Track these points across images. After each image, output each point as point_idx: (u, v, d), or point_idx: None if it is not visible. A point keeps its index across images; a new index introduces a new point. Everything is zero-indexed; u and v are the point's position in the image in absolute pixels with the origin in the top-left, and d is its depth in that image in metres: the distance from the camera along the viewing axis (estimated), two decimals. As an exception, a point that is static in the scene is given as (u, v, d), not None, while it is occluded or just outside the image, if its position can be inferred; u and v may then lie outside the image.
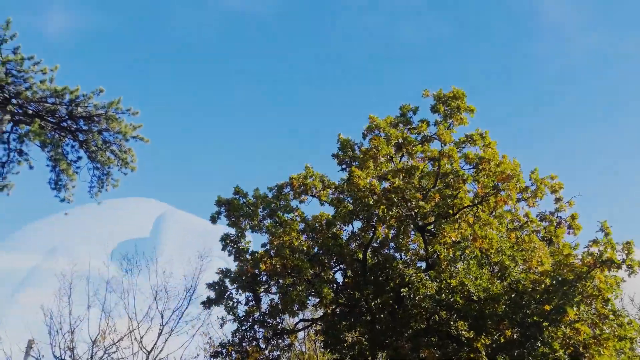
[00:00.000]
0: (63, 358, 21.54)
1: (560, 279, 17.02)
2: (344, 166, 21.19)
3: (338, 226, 21.03)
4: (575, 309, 16.46)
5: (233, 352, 19.35)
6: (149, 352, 22.67)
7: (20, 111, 19.61)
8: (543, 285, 17.35)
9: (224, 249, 20.65)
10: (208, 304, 20.22)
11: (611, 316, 17.23)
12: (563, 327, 16.45)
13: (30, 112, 19.74)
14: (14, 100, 19.38)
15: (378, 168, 19.83)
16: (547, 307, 16.64)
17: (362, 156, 20.19)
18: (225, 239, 20.67)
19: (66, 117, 20.16)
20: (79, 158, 21.26)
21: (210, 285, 20.33)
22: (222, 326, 20.52)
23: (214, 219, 20.68)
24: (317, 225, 20.99)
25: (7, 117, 19.30)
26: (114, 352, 22.34)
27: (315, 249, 20.90)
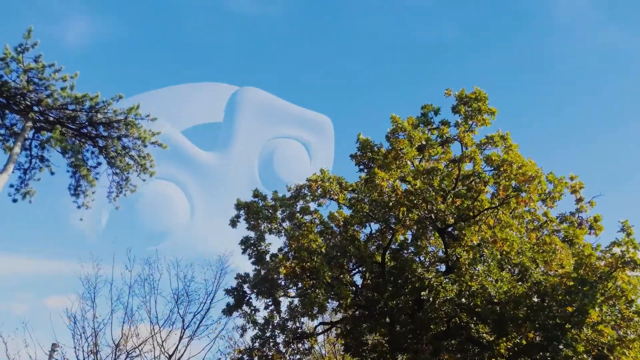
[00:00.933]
0: (86, 361, 21.77)
1: (581, 279, 16.90)
2: (362, 167, 21.16)
3: (355, 228, 21.03)
4: (597, 310, 16.33)
5: (255, 357, 19.44)
6: (171, 356, 22.85)
7: (41, 118, 19.89)
8: (564, 287, 17.22)
9: (244, 252, 20.74)
10: (228, 311, 20.35)
11: (635, 317, 17.05)
12: (586, 329, 16.32)
13: (52, 119, 20.02)
14: (35, 108, 19.67)
15: (399, 170, 19.78)
16: (570, 309, 16.51)
17: (384, 158, 20.11)
18: (245, 242, 20.75)
19: (86, 123, 20.42)
20: (99, 164, 21.56)
21: (228, 291, 20.45)
22: (242, 336, 20.63)
23: (233, 223, 20.79)
24: (334, 226, 21.00)
25: (29, 124, 19.59)
26: (136, 356, 22.56)
27: (334, 251, 20.92)
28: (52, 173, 21.12)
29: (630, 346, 16.35)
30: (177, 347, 23.00)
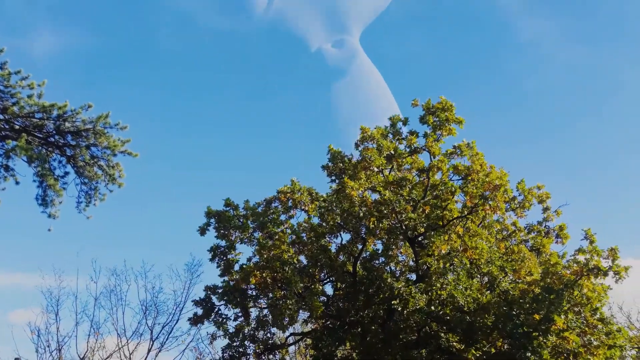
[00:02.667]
0: (50, 376, 21.19)
1: (547, 288, 17.14)
2: (333, 177, 21.23)
3: (327, 238, 21.02)
4: (563, 317, 16.55)
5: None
6: (138, 369, 22.38)
7: (7, 126, 19.48)
8: (531, 295, 17.43)
9: (212, 260, 20.48)
10: (195, 321, 20.03)
11: (600, 325, 17.32)
12: (551, 336, 16.50)
13: (17, 127, 19.62)
14: (0, 116, 19.29)
15: (369, 180, 19.91)
16: (537, 317, 16.71)
17: (353, 168, 20.25)
18: (214, 249, 20.51)
19: (54, 132, 20.06)
20: (66, 173, 21.10)
21: (197, 302, 20.16)
22: (211, 342, 20.33)
23: (202, 231, 20.55)
24: (304, 235, 20.96)
25: (-6, 132, 19.20)
26: (102, 369, 22.03)
27: (305, 262, 20.84)
28: (17, 183, 20.61)
29: (595, 352, 16.59)
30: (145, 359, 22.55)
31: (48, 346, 21.68)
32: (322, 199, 21.07)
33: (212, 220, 20.70)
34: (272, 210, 21.12)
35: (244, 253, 21.26)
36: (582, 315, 17.61)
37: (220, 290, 19.89)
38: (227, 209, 21.15)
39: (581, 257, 18.70)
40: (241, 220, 20.97)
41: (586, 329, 17.26)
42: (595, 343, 16.77)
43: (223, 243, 20.63)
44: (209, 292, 20.14)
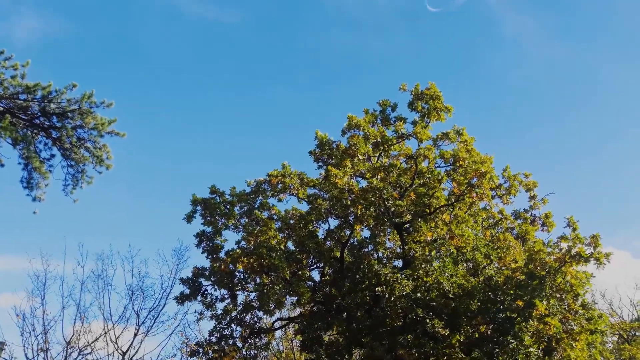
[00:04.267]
0: (36, 360, 21.11)
1: (530, 274, 17.34)
2: (320, 164, 21.21)
3: (314, 224, 21.04)
4: (545, 303, 16.78)
5: (210, 352, 19.17)
6: (125, 353, 22.38)
7: (-10, 108, 19.21)
8: (515, 281, 17.63)
9: (198, 245, 20.41)
10: (181, 299, 19.93)
11: (581, 310, 17.58)
12: (533, 321, 16.73)
13: (1, 108, 19.35)
14: (-16, 97, 19.00)
15: (355, 167, 19.91)
16: (520, 303, 16.92)
17: (339, 155, 20.23)
18: (200, 235, 20.43)
19: (39, 113, 19.80)
20: (53, 156, 20.87)
21: (184, 281, 20.05)
22: (198, 321, 20.31)
23: (189, 218, 20.42)
24: (292, 222, 20.95)
25: (-23, 113, 18.90)
26: (88, 354, 22.01)
27: (292, 247, 20.86)
28: (2, 165, 20.39)
29: (577, 338, 16.85)
30: (131, 344, 22.57)
31: (33, 330, 21.60)
32: (312, 183, 21.07)
33: (198, 207, 20.60)
34: (260, 192, 21.03)
35: (231, 239, 21.19)
36: (565, 301, 17.86)
37: (207, 273, 19.86)
38: (213, 196, 21.07)
39: (564, 244, 18.93)
40: (227, 207, 20.90)
41: (568, 314, 17.51)
42: (576, 329, 17.02)
43: (209, 229, 20.56)
44: (196, 274, 20.07)
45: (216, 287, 19.80)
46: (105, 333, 22.42)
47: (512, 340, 16.03)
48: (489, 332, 17.42)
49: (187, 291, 19.83)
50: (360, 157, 19.97)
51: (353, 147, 19.70)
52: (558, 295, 17.67)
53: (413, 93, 19.64)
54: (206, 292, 19.96)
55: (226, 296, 20.05)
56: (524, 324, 16.30)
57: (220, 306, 19.93)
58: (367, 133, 19.88)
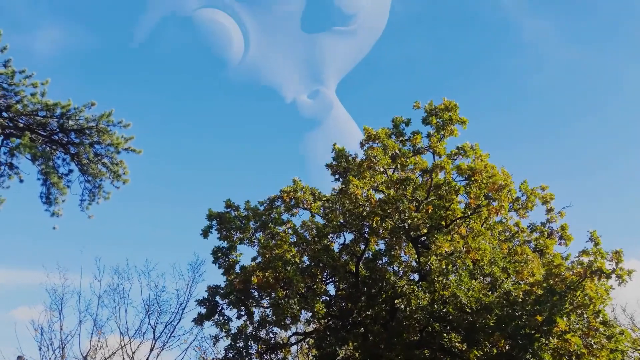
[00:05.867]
0: (53, 374, 21.27)
1: (550, 289, 17.06)
2: (337, 176, 21.22)
3: (330, 238, 21.02)
4: (565, 319, 16.49)
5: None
6: (141, 367, 22.45)
7: (10, 124, 19.55)
8: (533, 296, 17.38)
9: (214, 262, 20.53)
10: (199, 320, 20.03)
11: (602, 327, 17.23)
12: (553, 338, 16.45)
13: (21, 125, 19.69)
14: (4, 114, 19.33)
15: (373, 179, 19.91)
16: (539, 318, 16.65)
17: (357, 167, 20.25)
18: (216, 252, 20.56)
19: (57, 130, 20.12)
20: (70, 171, 21.18)
21: (200, 302, 20.18)
22: (214, 344, 20.35)
23: (205, 234, 20.59)
24: (307, 235, 20.97)
25: (-2, 130, 19.25)
26: (105, 368, 22.09)
27: (307, 261, 20.84)
28: (22, 181, 20.69)
29: (598, 355, 16.51)
30: (148, 359, 22.60)
31: (51, 344, 21.73)
32: (324, 198, 21.08)
33: (214, 222, 20.75)
34: (274, 209, 21.14)
35: (246, 254, 21.30)
36: (585, 317, 17.53)
37: (222, 291, 19.92)
38: (228, 210, 21.19)
39: (585, 259, 18.60)
40: (242, 221, 21.01)
41: (588, 331, 17.18)
42: (596, 346, 16.68)
43: (225, 244, 20.67)
44: (211, 292, 20.16)
45: (231, 306, 19.83)
46: (122, 347, 22.52)
47: (531, 357, 15.77)
48: (507, 348, 17.16)
49: (204, 311, 19.93)
50: (381, 169, 19.97)
51: (372, 159, 19.70)
52: (579, 312, 17.35)
53: (427, 109, 19.63)
54: (222, 311, 20.02)
55: (242, 313, 20.07)
56: (543, 340, 16.03)
57: (235, 324, 20.00)
58: (386, 145, 19.87)
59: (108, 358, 22.12)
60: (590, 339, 16.89)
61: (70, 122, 19.73)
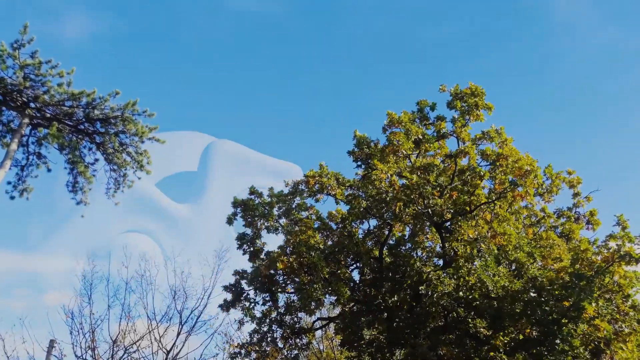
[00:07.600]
0: (84, 358, 21.75)
1: (577, 274, 16.90)
2: (359, 163, 21.16)
3: (353, 224, 21.05)
4: (593, 305, 16.35)
5: (252, 352, 19.47)
6: (168, 352, 22.80)
7: (38, 115, 19.88)
8: (561, 282, 17.24)
9: (239, 248, 20.74)
10: (226, 307, 20.31)
11: (631, 312, 17.06)
12: (582, 324, 16.33)
13: (48, 115, 20.00)
14: (32, 104, 19.65)
15: (397, 164, 19.79)
16: (566, 304, 16.53)
17: (380, 152, 20.11)
18: (241, 238, 20.77)
19: (83, 119, 20.40)
20: (96, 160, 21.53)
21: (226, 288, 20.42)
22: (239, 328, 20.63)
23: (230, 220, 20.81)
24: (332, 222, 21.04)
25: (26, 120, 19.57)
26: (134, 352, 22.47)
27: (331, 247, 20.93)
28: (49, 170, 21.08)
29: (627, 339, 16.38)
30: (175, 343, 22.95)
31: (81, 328, 22.16)
32: (348, 184, 21.06)
33: (239, 209, 20.90)
34: (298, 192, 21.17)
35: (270, 241, 21.45)
36: (614, 302, 17.37)
37: (249, 276, 20.14)
38: (252, 197, 21.31)
39: (612, 244, 18.35)
40: (266, 208, 21.12)
41: (617, 316, 17.03)
42: (626, 330, 16.54)
43: (249, 231, 20.84)
44: (238, 277, 20.39)
45: (257, 291, 20.06)
46: (150, 332, 22.85)
47: (560, 343, 15.70)
48: (534, 334, 17.10)
49: (230, 297, 20.19)
50: (403, 153, 19.81)
51: (395, 143, 19.56)
52: (607, 297, 17.18)
53: (452, 93, 19.34)
54: (248, 296, 20.27)
55: (267, 299, 20.31)
56: (572, 326, 15.94)
57: (259, 309, 20.25)
58: (409, 129, 19.68)
59: (136, 342, 22.52)
60: (619, 323, 16.74)
61: (96, 112, 19.97)
